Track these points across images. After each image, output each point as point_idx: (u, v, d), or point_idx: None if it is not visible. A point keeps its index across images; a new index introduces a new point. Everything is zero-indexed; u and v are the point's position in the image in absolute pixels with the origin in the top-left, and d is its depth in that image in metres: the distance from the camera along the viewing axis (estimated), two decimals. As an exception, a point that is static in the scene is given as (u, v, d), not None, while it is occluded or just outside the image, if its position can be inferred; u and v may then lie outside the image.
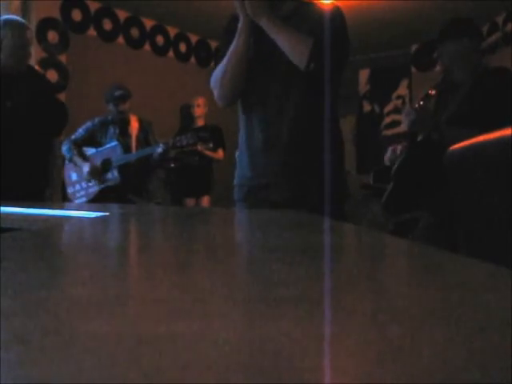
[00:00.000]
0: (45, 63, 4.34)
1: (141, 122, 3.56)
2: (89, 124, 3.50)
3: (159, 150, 3.29)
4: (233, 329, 0.21)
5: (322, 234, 0.75)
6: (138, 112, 3.64)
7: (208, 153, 4.18)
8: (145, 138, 3.50)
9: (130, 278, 0.34)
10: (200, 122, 4.51)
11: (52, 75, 4.39)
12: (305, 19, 1.59)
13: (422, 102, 2.17)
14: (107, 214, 1.05)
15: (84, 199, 3.45)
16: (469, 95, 2.02)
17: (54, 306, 0.24)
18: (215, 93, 1.68)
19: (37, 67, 2.92)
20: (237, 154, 1.78)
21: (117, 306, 0.25)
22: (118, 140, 3.41)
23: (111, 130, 3.47)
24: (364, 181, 3.72)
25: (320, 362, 0.17)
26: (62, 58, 4.48)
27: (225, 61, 1.61)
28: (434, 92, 2.20)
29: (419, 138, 2.08)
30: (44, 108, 2.45)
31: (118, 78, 4.67)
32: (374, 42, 5.53)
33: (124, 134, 3.46)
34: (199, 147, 3.77)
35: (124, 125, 3.48)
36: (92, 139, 3.46)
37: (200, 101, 4.39)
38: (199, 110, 4.47)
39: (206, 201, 4.45)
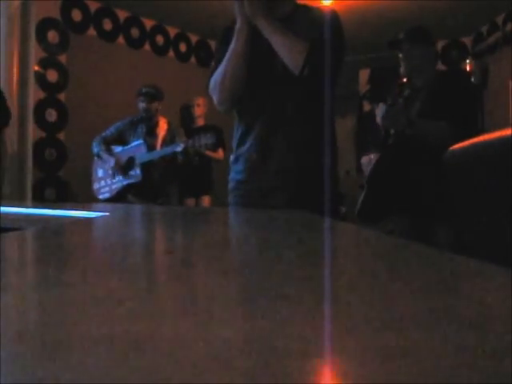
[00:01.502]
0: (45, 63, 4.34)
1: (170, 124, 3.67)
2: (119, 123, 3.63)
3: (178, 148, 3.35)
4: (231, 328, 0.21)
5: (322, 233, 0.75)
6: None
7: (208, 153, 4.17)
8: (171, 141, 3.56)
9: (129, 277, 0.34)
10: (200, 122, 4.50)
11: (52, 75, 4.39)
12: (302, 21, 1.58)
13: (396, 94, 2.23)
14: (107, 214, 1.05)
15: (107, 195, 3.58)
16: (429, 99, 2.08)
17: (54, 305, 0.24)
18: (215, 98, 1.65)
19: None
20: (231, 158, 1.76)
21: (116, 306, 0.25)
22: (144, 139, 3.50)
23: (139, 129, 3.58)
24: (364, 181, 3.72)
25: (319, 362, 0.17)
26: (62, 58, 4.47)
27: (224, 64, 1.59)
28: (406, 81, 2.27)
29: (392, 136, 2.12)
30: None
31: (117, 77, 4.67)
32: (374, 42, 5.53)
33: (151, 134, 3.56)
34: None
35: (152, 124, 3.59)
36: (121, 138, 3.58)
37: (200, 101, 4.39)
38: (199, 109, 4.46)
39: (206, 201, 4.45)
